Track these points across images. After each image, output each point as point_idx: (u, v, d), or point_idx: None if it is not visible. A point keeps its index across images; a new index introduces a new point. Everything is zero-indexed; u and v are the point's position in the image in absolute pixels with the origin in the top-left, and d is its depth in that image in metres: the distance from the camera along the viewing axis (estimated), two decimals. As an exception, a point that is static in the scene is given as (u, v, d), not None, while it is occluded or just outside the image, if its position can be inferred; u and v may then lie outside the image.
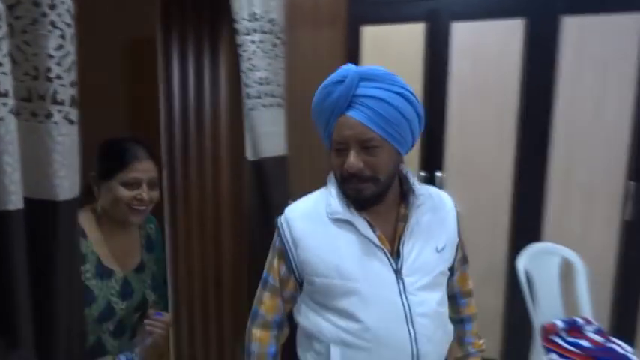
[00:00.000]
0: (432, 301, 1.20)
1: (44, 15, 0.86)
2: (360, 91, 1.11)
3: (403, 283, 1.17)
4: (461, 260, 1.36)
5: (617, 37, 2.45)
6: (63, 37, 0.86)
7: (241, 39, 1.74)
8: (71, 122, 0.88)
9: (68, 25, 0.86)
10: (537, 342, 2.30)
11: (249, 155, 1.88)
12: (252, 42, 1.76)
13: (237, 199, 1.97)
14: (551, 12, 2.52)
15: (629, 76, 2.44)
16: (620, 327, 2.55)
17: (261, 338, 1.28)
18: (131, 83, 3.09)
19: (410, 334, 1.15)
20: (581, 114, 2.54)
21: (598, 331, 2.35)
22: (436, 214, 1.25)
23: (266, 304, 1.28)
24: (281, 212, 1.28)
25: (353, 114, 1.12)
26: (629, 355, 2.18)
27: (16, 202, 0.86)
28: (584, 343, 2.25)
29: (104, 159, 1.40)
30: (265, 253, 1.32)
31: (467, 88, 2.67)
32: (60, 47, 0.85)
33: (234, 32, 1.77)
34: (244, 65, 1.76)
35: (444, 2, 2.66)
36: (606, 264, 2.57)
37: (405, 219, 1.21)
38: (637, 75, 2.42)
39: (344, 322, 1.17)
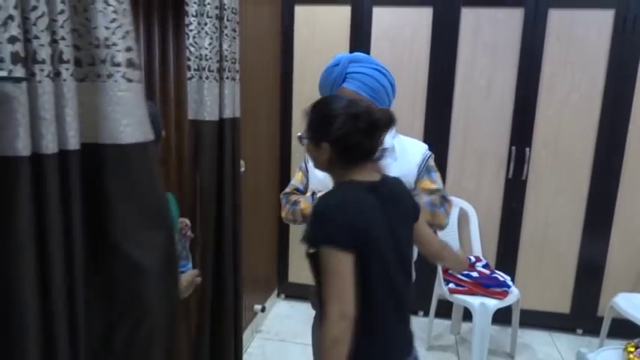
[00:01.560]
0: None
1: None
2: (350, 69, 1.66)
3: None
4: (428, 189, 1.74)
5: (504, 28, 2.98)
6: (115, 11, 1.08)
7: (189, 19, 1.99)
8: (129, 80, 1.11)
9: (119, 1, 1.09)
10: (440, 275, 2.82)
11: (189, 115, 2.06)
12: (199, 24, 2.00)
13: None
14: (453, 2, 2.99)
15: (513, 61, 2.99)
16: (503, 262, 3.17)
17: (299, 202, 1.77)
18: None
19: None
20: (476, 91, 3.06)
21: (485, 266, 2.93)
22: (400, 157, 1.73)
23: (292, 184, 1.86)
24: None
25: (347, 85, 1.66)
26: (507, 281, 2.79)
27: (74, 143, 1.08)
28: (474, 274, 2.82)
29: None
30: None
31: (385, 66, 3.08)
32: (114, 20, 1.08)
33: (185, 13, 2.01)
34: (188, 42, 2.01)
35: (368, -12, 3.04)
36: (493, 213, 3.16)
37: None
38: (519, 60, 2.98)
39: None
